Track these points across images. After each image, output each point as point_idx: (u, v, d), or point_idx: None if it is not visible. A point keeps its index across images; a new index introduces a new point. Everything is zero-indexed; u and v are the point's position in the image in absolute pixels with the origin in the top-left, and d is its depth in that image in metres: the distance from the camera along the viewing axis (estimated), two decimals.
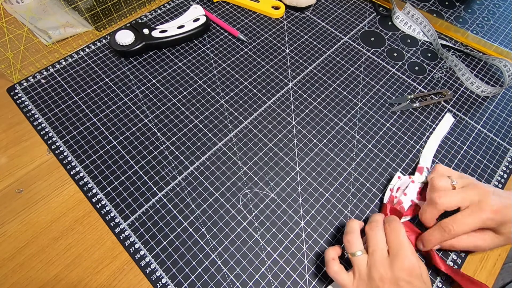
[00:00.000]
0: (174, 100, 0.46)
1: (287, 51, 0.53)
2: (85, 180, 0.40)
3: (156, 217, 0.37)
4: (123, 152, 0.42)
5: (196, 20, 0.52)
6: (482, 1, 0.64)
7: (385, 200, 0.39)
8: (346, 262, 0.36)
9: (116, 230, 0.37)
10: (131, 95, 0.46)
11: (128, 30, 0.49)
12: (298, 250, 0.36)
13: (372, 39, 0.56)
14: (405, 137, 0.45)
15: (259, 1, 0.58)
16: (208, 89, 0.48)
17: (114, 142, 0.42)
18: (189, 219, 0.38)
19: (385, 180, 0.41)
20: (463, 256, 0.37)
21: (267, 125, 0.45)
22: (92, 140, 0.42)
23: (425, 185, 0.39)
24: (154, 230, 0.37)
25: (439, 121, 0.47)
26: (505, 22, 0.61)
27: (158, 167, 0.41)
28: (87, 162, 0.41)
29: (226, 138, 0.44)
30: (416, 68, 0.52)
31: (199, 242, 0.36)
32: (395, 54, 0.54)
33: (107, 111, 0.45)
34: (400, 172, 0.42)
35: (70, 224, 0.37)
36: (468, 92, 0.50)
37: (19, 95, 0.46)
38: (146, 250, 0.35)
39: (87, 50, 0.51)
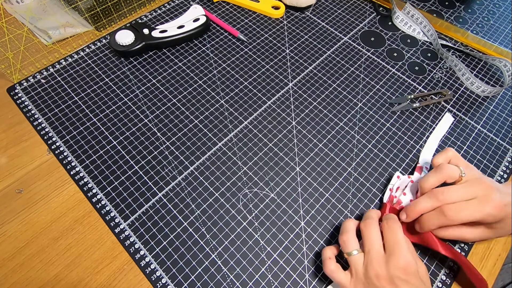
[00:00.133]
0: (174, 100, 0.46)
1: (287, 51, 0.53)
2: (85, 180, 0.40)
3: (156, 217, 0.37)
4: (123, 152, 0.42)
5: (196, 20, 0.52)
6: (482, 1, 0.64)
7: (385, 199, 0.39)
8: (346, 262, 0.36)
9: (116, 230, 0.37)
10: (131, 95, 0.46)
11: (128, 30, 0.49)
12: (298, 250, 0.36)
13: (372, 39, 0.56)
14: (405, 137, 0.45)
15: (259, 1, 0.58)
16: (208, 89, 0.48)
17: (114, 142, 0.42)
18: (189, 219, 0.38)
19: (385, 180, 0.41)
20: (466, 249, 0.37)
21: (267, 125, 0.45)
22: (92, 140, 0.42)
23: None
24: (154, 230, 0.37)
25: (439, 121, 0.47)
26: (505, 22, 0.61)
27: (158, 167, 0.41)
28: (87, 162, 0.41)
29: (226, 138, 0.44)
30: (416, 68, 0.52)
31: (199, 242, 0.36)
32: (395, 54, 0.54)
33: (107, 111, 0.45)
34: (400, 172, 0.42)
35: (70, 224, 0.37)
36: (468, 92, 0.50)
37: (19, 95, 0.46)
38: (146, 250, 0.35)
39: (87, 50, 0.51)
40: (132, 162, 0.41)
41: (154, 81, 0.48)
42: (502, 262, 0.37)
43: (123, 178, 0.40)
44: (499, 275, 0.37)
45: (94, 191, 0.39)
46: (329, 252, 0.33)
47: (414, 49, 0.55)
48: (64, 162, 0.41)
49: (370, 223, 0.32)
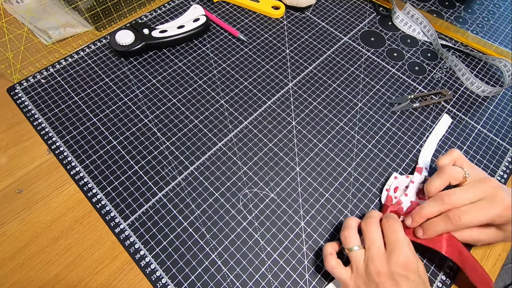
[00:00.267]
0: (174, 100, 0.46)
1: (287, 51, 0.53)
2: (85, 180, 0.40)
3: (156, 217, 0.37)
4: (123, 152, 0.42)
5: (196, 20, 0.52)
6: (482, 1, 0.64)
7: (383, 200, 0.39)
8: (347, 260, 0.36)
9: (116, 230, 0.37)
10: (131, 95, 0.46)
11: (128, 30, 0.49)
12: (298, 250, 0.36)
13: (372, 39, 0.56)
14: (405, 137, 0.45)
15: (259, 1, 0.58)
16: (208, 89, 0.48)
17: (114, 142, 0.42)
18: (189, 219, 0.38)
19: (385, 180, 0.41)
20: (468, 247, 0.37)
21: (267, 125, 0.45)
22: (92, 140, 0.42)
23: (424, 184, 0.39)
24: (154, 230, 0.37)
25: (439, 121, 0.47)
26: (505, 22, 0.61)
27: (158, 167, 0.41)
28: (87, 162, 0.41)
29: (226, 138, 0.44)
30: (416, 68, 0.52)
31: (199, 242, 0.36)
32: (395, 54, 0.54)
33: (107, 111, 0.45)
34: (399, 173, 0.42)
35: (70, 224, 0.37)
36: (468, 92, 0.50)
37: (19, 95, 0.46)
38: (146, 250, 0.35)
39: (87, 50, 0.51)
40: (132, 162, 0.41)
41: (154, 81, 0.48)
42: (502, 262, 0.37)
43: (123, 178, 0.40)
44: (500, 276, 0.37)
45: (94, 191, 0.39)
46: (330, 248, 0.33)
47: (414, 49, 0.55)
48: (64, 162, 0.41)
49: (371, 221, 0.32)
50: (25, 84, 0.47)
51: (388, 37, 0.57)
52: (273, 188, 0.40)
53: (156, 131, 0.43)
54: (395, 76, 0.51)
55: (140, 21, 0.55)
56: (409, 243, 0.31)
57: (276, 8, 0.58)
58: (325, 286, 0.34)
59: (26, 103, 0.45)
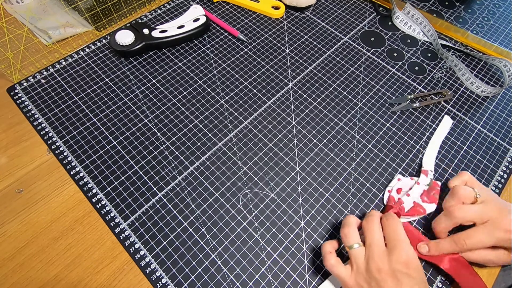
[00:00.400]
0: (174, 100, 0.46)
1: (287, 51, 0.53)
2: (85, 180, 0.40)
3: (156, 217, 0.37)
4: (123, 152, 0.42)
5: (196, 20, 0.52)
6: (482, 1, 0.64)
7: (385, 201, 0.39)
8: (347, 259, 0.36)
9: (116, 230, 0.37)
10: (131, 95, 0.46)
11: (128, 30, 0.49)
12: (298, 250, 0.36)
13: (372, 39, 0.56)
14: (405, 137, 0.45)
15: (259, 1, 0.58)
16: (208, 89, 0.48)
17: (114, 142, 0.42)
18: (189, 219, 0.37)
19: (385, 180, 0.41)
20: None
21: (267, 125, 0.45)
22: (92, 140, 0.42)
23: (430, 188, 0.39)
24: (154, 230, 0.37)
25: (439, 121, 0.47)
26: (505, 22, 0.61)
27: (158, 167, 0.41)
28: (87, 162, 0.41)
29: (226, 138, 0.44)
30: (416, 68, 0.52)
31: (199, 242, 0.36)
32: (395, 54, 0.54)
33: (107, 111, 0.45)
34: (400, 173, 0.42)
35: (70, 224, 0.37)
36: (468, 92, 0.50)
37: (19, 95, 0.46)
38: (146, 250, 0.35)
39: (87, 50, 0.51)
40: (132, 162, 0.41)
41: (154, 81, 0.48)
42: None
43: (123, 178, 0.40)
44: (501, 277, 0.37)
45: (94, 191, 0.39)
46: (329, 247, 0.33)
47: (414, 49, 0.55)
48: (64, 162, 0.41)
49: (372, 219, 0.32)
50: (25, 84, 0.47)
51: (388, 37, 0.57)
52: (273, 188, 0.40)
53: (156, 131, 0.43)
54: (395, 76, 0.51)
55: (140, 21, 0.55)
56: (409, 240, 0.31)
57: (276, 8, 0.58)
58: (321, 284, 0.34)
59: (26, 103, 0.45)
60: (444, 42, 0.55)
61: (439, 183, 0.40)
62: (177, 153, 0.42)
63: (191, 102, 0.46)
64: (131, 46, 0.48)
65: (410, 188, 0.39)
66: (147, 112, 0.45)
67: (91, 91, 0.46)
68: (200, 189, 0.39)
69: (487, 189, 0.36)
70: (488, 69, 0.53)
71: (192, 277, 0.34)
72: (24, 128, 0.43)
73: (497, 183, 0.42)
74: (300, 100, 0.48)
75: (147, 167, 0.41)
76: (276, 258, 0.36)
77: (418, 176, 0.41)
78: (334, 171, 0.42)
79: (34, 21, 0.51)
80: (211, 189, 0.40)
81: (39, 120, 0.44)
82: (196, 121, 0.45)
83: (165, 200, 0.39)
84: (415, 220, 0.38)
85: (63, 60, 0.49)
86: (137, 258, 0.35)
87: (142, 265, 0.35)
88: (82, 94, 0.46)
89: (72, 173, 0.40)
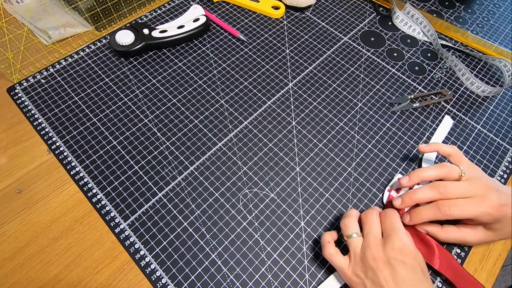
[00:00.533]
0: (174, 100, 0.46)
1: (287, 51, 0.53)
2: (85, 180, 0.40)
3: (156, 217, 0.37)
4: (123, 152, 0.42)
5: (196, 20, 0.52)
6: (482, 1, 0.64)
7: (384, 200, 0.39)
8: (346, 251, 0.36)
9: (116, 230, 0.37)
10: (131, 95, 0.46)
11: (128, 30, 0.49)
12: (298, 250, 0.36)
13: (372, 39, 0.56)
14: (405, 137, 0.45)
15: (259, 1, 0.58)
16: (208, 89, 0.48)
17: (114, 142, 0.42)
18: (189, 219, 0.38)
19: (385, 180, 0.41)
20: (466, 249, 0.37)
21: (267, 125, 0.45)
22: (92, 140, 0.42)
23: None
24: (154, 230, 0.37)
25: (439, 121, 0.47)
26: (505, 22, 0.61)
27: (158, 167, 0.41)
28: (87, 162, 0.41)
29: (226, 138, 0.44)
30: (416, 68, 0.52)
31: (199, 242, 0.36)
32: (395, 54, 0.54)
33: (107, 111, 0.45)
34: (400, 173, 0.42)
35: (70, 224, 0.37)
36: (468, 92, 0.50)
37: (19, 95, 0.46)
38: (146, 250, 0.35)
39: (87, 50, 0.51)
40: (132, 162, 0.41)
41: (154, 81, 0.48)
42: (502, 262, 0.37)
43: (123, 178, 0.40)
44: (501, 277, 0.37)
45: (94, 191, 0.39)
46: (329, 237, 0.34)
47: (414, 49, 0.55)
48: (64, 162, 0.41)
49: (371, 212, 0.33)
50: (25, 84, 0.47)
51: (388, 37, 0.57)
52: (273, 188, 0.40)
53: (156, 131, 0.43)
54: (395, 76, 0.51)
55: (140, 21, 0.55)
56: (406, 231, 0.31)
57: (276, 8, 0.58)
58: (325, 280, 0.34)
59: (26, 103, 0.45)
60: (444, 42, 0.55)
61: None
62: (177, 153, 0.42)
63: (191, 102, 0.46)
64: (131, 46, 0.48)
65: (410, 188, 0.39)
66: (147, 112, 0.45)
67: (91, 91, 0.46)
68: (200, 189, 0.39)
69: (474, 166, 0.36)
70: (488, 69, 0.53)
71: (192, 277, 0.34)
72: (24, 128, 0.43)
73: None
74: (300, 100, 0.48)
75: (147, 167, 0.41)
76: (276, 258, 0.36)
77: None
78: (334, 171, 0.42)
79: (34, 21, 0.51)
80: (211, 189, 0.40)
81: (39, 120, 0.44)
82: (196, 121, 0.45)
83: (165, 200, 0.39)
84: None
85: (63, 60, 0.49)
86: (137, 258, 0.35)
87: (142, 265, 0.35)
88: (82, 94, 0.46)
89: (72, 173, 0.40)
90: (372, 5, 0.61)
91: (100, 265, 0.35)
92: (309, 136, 0.44)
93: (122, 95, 0.46)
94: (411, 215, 0.34)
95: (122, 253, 0.36)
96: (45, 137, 0.42)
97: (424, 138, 0.45)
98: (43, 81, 0.47)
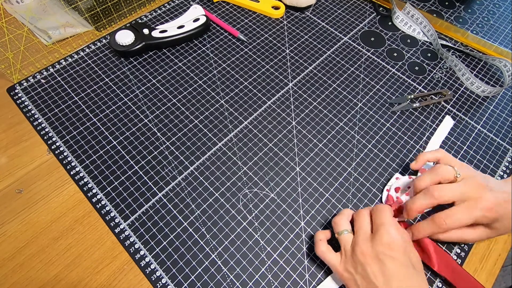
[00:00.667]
0: (174, 100, 0.46)
1: (287, 51, 0.53)
2: (85, 180, 0.40)
3: (156, 217, 0.37)
4: (123, 152, 0.42)
5: (196, 20, 0.52)
6: (482, 1, 0.64)
7: (383, 200, 0.39)
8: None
9: (116, 230, 0.37)
10: (131, 95, 0.46)
11: (128, 30, 0.49)
12: (298, 250, 0.36)
13: (372, 39, 0.56)
14: (405, 137, 0.45)
15: (259, 1, 0.58)
16: (208, 89, 0.48)
17: (114, 142, 0.42)
18: (189, 219, 0.38)
19: (385, 180, 0.41)
20: (466, 249, 0.37)
21: (267, 125, 0.45)
22: (92, 140, 0.42)
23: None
24: (154, 230, 0.37)
25: (439, 121, 0.47)
26: (505, 22, 0.61)
27: (158, 167, 0.41)
28: (87, 162, 0.41)
29: (226, 138, 0.44)
30: (416, 68, 0.52)
31: (199, 242, 0.36)
32: (395, 54, 0.54)
33: (107, 111, 0.45)
34: (399, 173, 0.42)
35: (70, 224, 0.37)
36: (468, 92, 0.50)
37: (19, 95, 0.46)
38: (146, 250, 0.35)
39: (87, 50, 0.51)
40: (132, 162, 0.41)
41: (154, 81, 0.48)
42: (502, 262, 0.37)
43: (123, 178, 0.40)
44: (501, 277, 0.37)
45: (94, 191, 0.39)
46: (321, 235, 0.34)
47: (414, 49, 0.55)
48: (64, 162, 0.41)
49: (362, 210, 0.34)
50: (25, 84, 0.47)
51: (388, 37, 0.57)
52: (273, 188, 0.40)
53: (156, 131, 0.43)
54: (395, 76, 0.51)
55: (140, 21, 0.55)
56: (396, 226, 0.31)
57: (276, 8, 0.58)
58: (323, 282, 0.34)
59: (26, 103, 0.45)
60: (444, 42, 0.55)
61: None
62: (177, 153, 0.42)
63: (191, 102, 0.46)
64: (131, 46, 0.48)
65: (409, 187, 0.39)
66: (147, 112, 0.45)
67: (91, 91, 0.46)
68: (200, 189, 0.39)
69: (466, 166, 0.35)
70: (488, 69, 0.53)
71: (192, 277, 0.34)
72: (24, 128, 0.43)
73: None
74: (300, 100, 0.48)
75: (147, 167, 0.41)
76: (276, 258, 0.36)
77: (416, 174, 0.41)
78: (334, 171, 0.42)
79: (34, 21, 0.51)
80: (211, 189, 0.40)
81: (39, 120, 0.44)
82: (196, 121, 0.45)
83: (165, 200, 0.39)
84: (416, 220, 0.38)
85: (63, 60, 0.49)
86: (137, 258, 0.35)
87: (142, 265, 0.35)
88: (82, 94, 0.46)
89: (72, 173, 0.40)
90: (372, 5, 0.61)
91: (100, 265, 0.35)
92: (309, 136, 0.44)
93: (122, 95, 0.46)
94: (412, 231, 0.34)
95: (122, 253, 0.36)
96: (45, 137, 0.42)
97: (424, 138, 0.45)
98: (43, 81, 0.47)
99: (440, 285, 0.35)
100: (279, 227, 0.38)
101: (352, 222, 0.34)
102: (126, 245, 0.36)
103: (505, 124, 0.47)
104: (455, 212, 0.32)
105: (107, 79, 0.48)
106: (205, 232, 0.37)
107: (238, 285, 0.34)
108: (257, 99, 0.47)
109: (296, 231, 0.37)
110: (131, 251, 0.35)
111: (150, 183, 0.39)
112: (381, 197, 0.40)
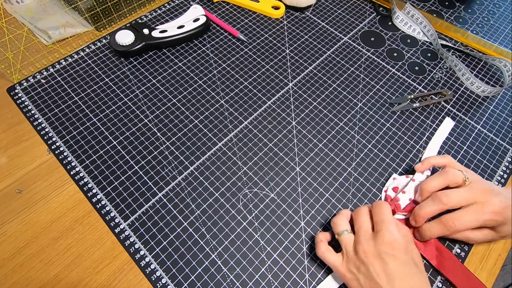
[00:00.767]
0: (174, 100, 0.46)
1: (287, 51, 0.53)
2: (85, 180, 0.40)
3: (156, 217, 0.37)
4: (123, 152, 0.42)
5: (196, 20, 0.52)
6: (482, 1, 0.64)
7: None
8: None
9: (116, 230, 0.37)
10: (131, 95, 0.46)
11: (128, 30, 0.49)
12: (298, 250, 0.36)
13: (372, 39, 0.56)
14: (405, 137, 0.45)
15: (259, 1, 0.58)
16: (208, 89, 0.48)
17: (114, 142, 0.42)
18: (189, 219, 0.38)
19: (385, 180, 0.41)
20: (466, 249, 0.37)
21: (267, 125, 0.45)
22: (92, 140, 0.42)
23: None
24: (154, 230, 0.37)
25: (439, 121, 0.47)
26: (505, 22, 0.61)
27: (158, 167, 0.41)
28: (87, 162, 0.41)
29: (226, 138, 0.44)
30: (416, 68, 0.52)
31: (199, 242, 0.36)
32: (395, 54, 0.54)
33: (107, 111, 0.45)
34: (398, 173, 0.42)
35: (70, 224, 0.37)
36: (468, 92, 0.50)
37: (19, 95, 0.46)
38: (146, 250, 0.35)
39: (87, 50, 0.51)
40: (132, 162, 0.41)
41: (154, 81, 0.48)
42: (503, 262, 0.37)
43: (123, 178, 0.40)
44: (501, 276, 0.37)
45: (94, 191, 0.39)
46: (322, 236, 0.34)
47: (414, 49, 0.55)
48: (64, 162, 0.41)
49: (361, 209, 0.34)
50: (25, 84, 0.47)
51: (388, 37, 0.57)
52: (273, 188, 0.40)
53: (156, 131, 0.43)
54: (395, 76, 0.51)
55: (140, 21, 0.55)
56: (397, 224, 0.31)
57: (276, 8, 0.58)
58: (323, 281, 0.34)
59: (26, 103, 0.45)
60: (444, 42, 0.55)
61: None
62: (177, 153, 0.42)
63: (191, 102, 0.46)
64: (131, 46, 0.48)
65: (406, 185, 0.39)
66: (147, 112, 0.45)
67: (91, 91, 0.47)
68: (200, 189, 0.39)
69: (470, 172, 0.36)
70: (488, 69, 0.53)
71: (192, 277, 0.34)
72: (24, 128, 0.43)
73: (497, 183, 0.42)
74: (300, 100, 0.48)
75: (147, 167, 0.41)
76: (276, 258, 0.36)
77: (414, 174, 0.41)
78: (334, 171, 0.42)
79: (34, 21, 0.51)
80: (211, 189, 0.40)
81: (39, 120, 0.44)
82: (196, 121, 0.45)
83: (165, 200, 0.39)
84: None
85: (63, 60, 0.49)
86: (137, 258, 0.35)
87: (142, 265, 0.35)
88: (82, 94, 0.46)
89: (72, 173, 0.40)
90: (372, 5, 0.61)
91: (100, 265, 0.35)
92: (309, 136, 0.44)
93: (122, 95, 0.46)
94: (420, 233, 0.35)
95: (122, 253, 0.36)
96: (45, 137, 0.42)
97: (424, 138, 0.45)
98: (43, 81, 0.47)
99: (440, 285, 0.35)
100: (279, 227, 0.38)
101: (351, 221, 0.34)
102: (126, 245, 0.36)
103: (505, 124, 0.47)
104: (463, 215, 0.32)
105: (107, 79, 0.48)
106: (205, 232, 0.37)
107: (238, 285, 0.34)
108: (257, 99, 0.47)
109: (296, 231, 0.37)
110: (131, 251, 0.35)
111: (150, 183, 0.40)
112: (380, 198, 0.40)
